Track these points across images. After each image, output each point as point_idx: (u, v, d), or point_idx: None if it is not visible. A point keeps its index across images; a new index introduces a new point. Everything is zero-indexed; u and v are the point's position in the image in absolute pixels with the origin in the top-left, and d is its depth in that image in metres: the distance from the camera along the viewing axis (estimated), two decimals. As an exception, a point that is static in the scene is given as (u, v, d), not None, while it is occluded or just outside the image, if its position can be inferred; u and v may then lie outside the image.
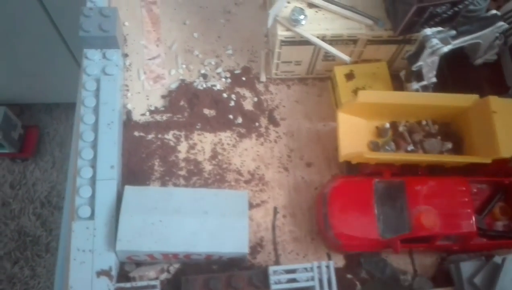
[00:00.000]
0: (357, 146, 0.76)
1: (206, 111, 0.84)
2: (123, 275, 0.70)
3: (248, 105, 0.85)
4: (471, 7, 0.76)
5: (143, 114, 0.83)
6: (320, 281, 0.67)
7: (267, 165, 0.81)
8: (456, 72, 0.83)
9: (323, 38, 0.77)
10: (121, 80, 0.83)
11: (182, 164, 0.80)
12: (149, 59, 0.88)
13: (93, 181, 0.72)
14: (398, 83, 0.82)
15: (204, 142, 0.82)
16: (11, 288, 1.69)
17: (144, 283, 0.67)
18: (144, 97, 0.85)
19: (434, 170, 0.76)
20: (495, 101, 0.73)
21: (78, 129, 0.77)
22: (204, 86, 0.86)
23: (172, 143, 0.81)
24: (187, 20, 0.93)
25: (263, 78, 0.88)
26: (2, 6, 1.41)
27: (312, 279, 0.67)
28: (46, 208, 1.82)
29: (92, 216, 0.70)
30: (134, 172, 0.78)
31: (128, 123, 0.82)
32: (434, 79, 0.78)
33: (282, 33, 0.77)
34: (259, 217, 0.77)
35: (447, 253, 0.74)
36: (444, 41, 0.71)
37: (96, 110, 0.77)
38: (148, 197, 0.71)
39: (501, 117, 0.72)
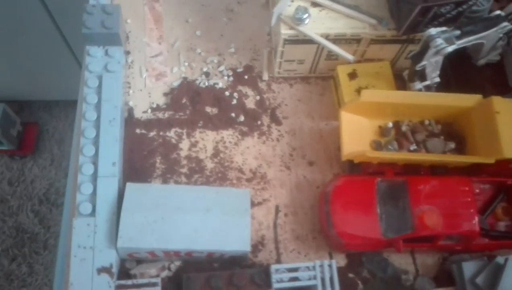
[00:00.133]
0: (360, 145, 0.76)
1: (208, 109, 0.84)
2: (124, 272, 0.70)
3: (250, 103, 0.85)
4: (475, 8, 0.76)
5: (145, 112, 0.83)
6: (322, 280, 0.67)
7: (269, 163, 0.81)
8: (459, 72, 0.83)
9: (327, 37, 0.77)
10: (123, 77, 0.82)
11: (184, 162, 0.79)
12: (152, 57, 0.88)
13: (94, 177, 0.72)
14: (401, 83, 0.82)
15: (206, 140, 0.82)
16: (9, 285, 1.68)
17: (145, 280, 0.67)
18: (146, 94, 0.85)
19: (436, 170, 0.76)
20: (498, 102, 0.73)
21: (79, 126, 0.76)
22: (206, 84, 0.86)
23: (174, 141, 0.81)
24: (189, 18, 0.92)
25: (265, 76, 0.87)
26: (2, 3, 1.40)
27: (314, 278, 0.67)
28: (44, 205, 1.81)
29: (93, 213, 0.70)
30: (135, 169, 0.78)
31: (130, 121, 0.82)
32: (437, 79, 0.78)
33: (285, 31, 0.76)
34: (260, 215, 0.77)
35: (449, 253, 0.74)
36: (449, 41, 0.71)
37: (98, 107, 0.77)
38: (149, 194, 0.71)
39: (504, 117, 0.72)
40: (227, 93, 0.85)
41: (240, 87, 0.86)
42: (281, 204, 0.78)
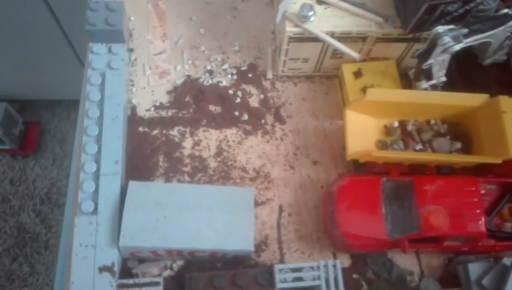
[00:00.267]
0: (365, 144, 0.76)
1: (212, 108, 0.83)
2: (125, 271, 0.69)
3: (254, 102, 0.85)
4: (481, 6, 0.76)
5: (148, 110, 0.82)
6: (327, 280, 0.66)
7: (273, 162, 0.80)
8: (465, 72, 0.82)
9: (332, 35, 0.76)
10: (126, 75, 0.82)
11: (187, 161, 0.79)
12: (155, 54, 0.87)
13: (96, 176, 0.71)
14: (406, 82, 0.82)
15: (209, 139, 0.81)
16: (10, 284, 1.68)
17: (147, 279, 0.66)
18: (149, 92, 0.84)
19: (442, 170, 0.75)
20: (505, 101, 0.72)
21: (82, 124, 0.76)
22: (210, 82, 0.85)
23: (177, 139, 0.80)
24: (193, 16, 0.92)
25: (269, 75, 0.87)
26: (5, 2, 1.40)
27: (319, 278, 0.66)
28: (46, 205, 1.81)
29: (95, 211, 0.69)
30: (138, 167, 0.77)
31: (133, 119, 0.81)
32: (444, 78, 0.77)
33: (290, 29, 0.76)
34: (264, 215, 0.76)
35: (455, 254, 0.73)
36: (456, 39, 0.70)
37: (100, 104, 0.76)
38: (152, 192, 0.70)
39: (511, 117, 0.71)
40: (230, 91, 0.85)
41: (244, 86, 0.86)
42: (285, 203, 0.77)
